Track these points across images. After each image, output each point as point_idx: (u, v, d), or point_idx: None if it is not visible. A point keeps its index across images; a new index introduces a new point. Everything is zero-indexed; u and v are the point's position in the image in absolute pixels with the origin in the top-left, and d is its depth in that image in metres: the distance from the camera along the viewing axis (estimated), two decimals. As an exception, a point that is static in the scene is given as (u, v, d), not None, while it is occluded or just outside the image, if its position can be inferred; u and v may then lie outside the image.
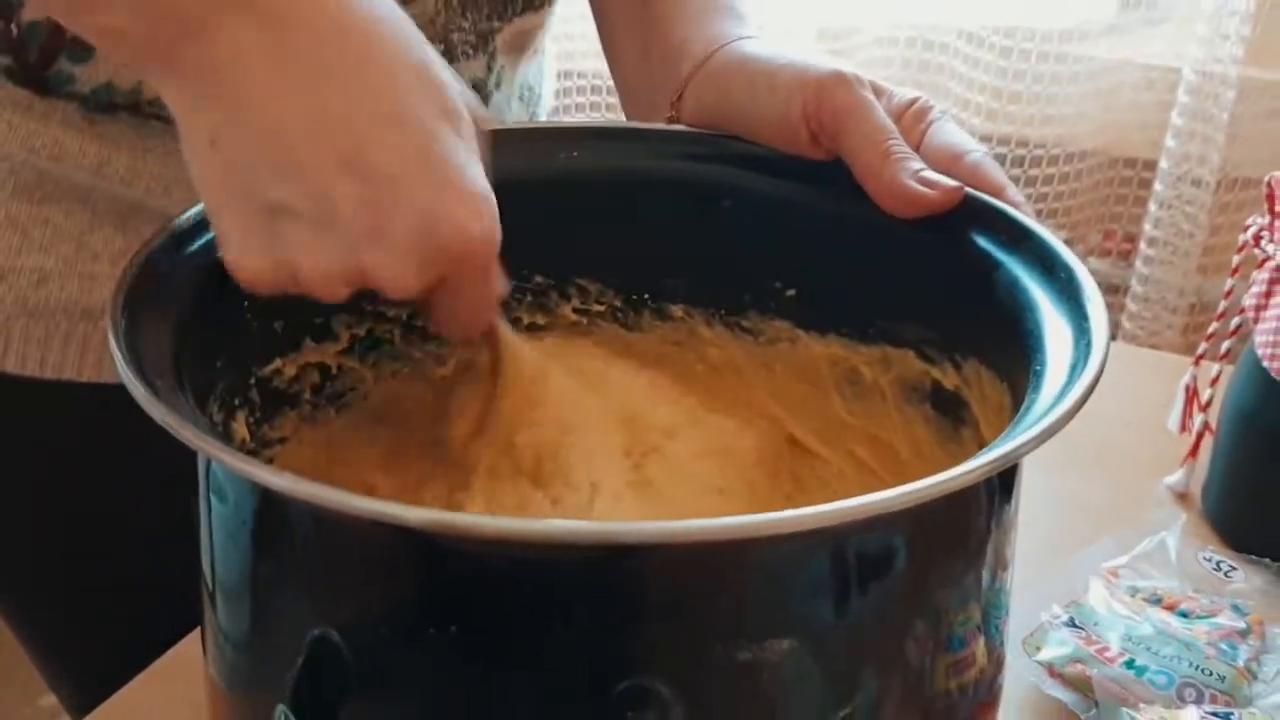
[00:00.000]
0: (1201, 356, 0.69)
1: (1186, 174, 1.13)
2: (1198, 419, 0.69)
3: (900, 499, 0.34)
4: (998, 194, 0.50)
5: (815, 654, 0.36)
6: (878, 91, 0.54)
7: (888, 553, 0.38)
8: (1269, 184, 0.64)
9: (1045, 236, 0.47)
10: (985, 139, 1.23)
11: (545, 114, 0.73)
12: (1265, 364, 0.63)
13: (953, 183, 0.49)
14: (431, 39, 0.42)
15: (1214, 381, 0.68)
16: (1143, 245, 1.17)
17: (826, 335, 0.56)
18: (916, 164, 0.50)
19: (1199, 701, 0.54)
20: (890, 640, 0.39)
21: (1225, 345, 0.67)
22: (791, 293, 0.56)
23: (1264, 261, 0.64)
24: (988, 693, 0.45)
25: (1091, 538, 0.64)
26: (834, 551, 0.36)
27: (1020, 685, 0.56)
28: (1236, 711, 0.53)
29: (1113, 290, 1.26)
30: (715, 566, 0.34)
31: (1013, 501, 0.44)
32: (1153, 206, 1.16)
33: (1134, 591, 0.61)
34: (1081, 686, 0.55)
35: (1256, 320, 0.64)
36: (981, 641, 0.43)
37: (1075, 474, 0.74)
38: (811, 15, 1.22)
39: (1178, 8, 1.19)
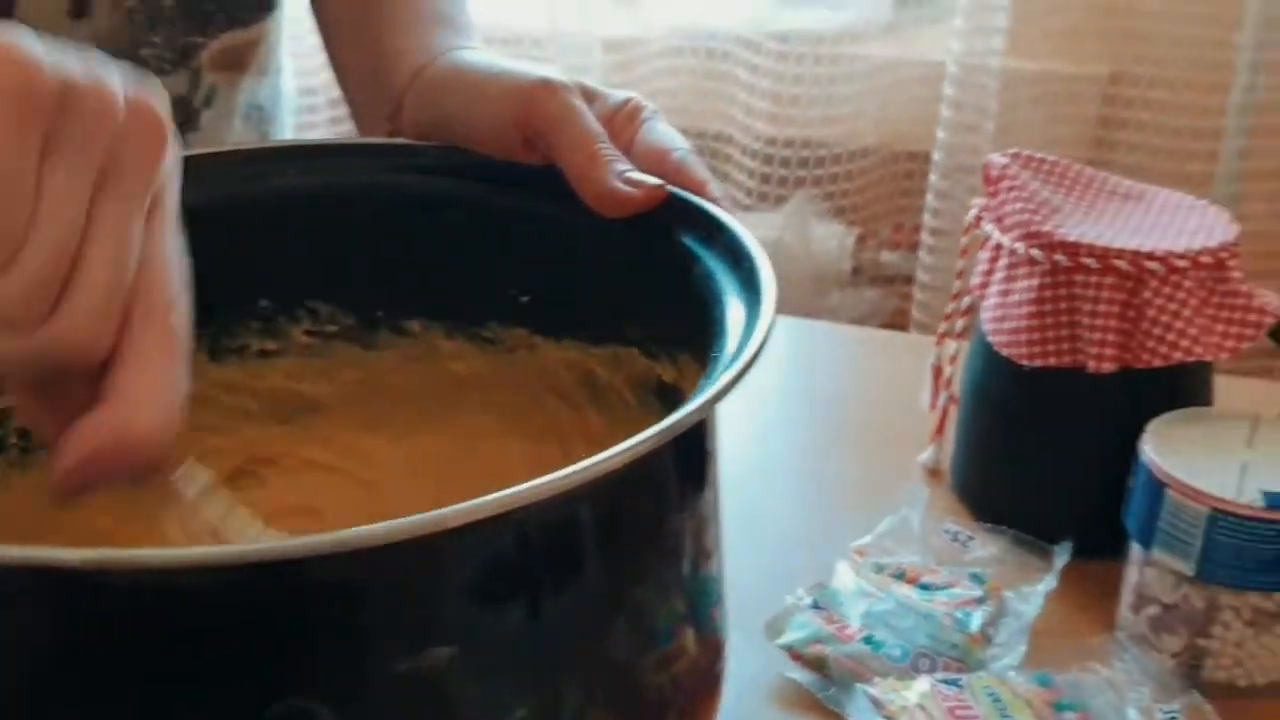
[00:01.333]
0: (944, 335, 0.71)
1: (960, 164, 1.17)
2: (942, 396, 0.72)
3: (537, 490, 0.34)
4: (699, 190, 0.51)
5: (487, 660, 0.36)
6: (590, 96, 0.55)
7: (564, 547, 0.38)
8: (986, 167, 0.67)
9: (735, 229, 0.49)
10: (771, 142, 1.26)
11: (287, 134, 0.72)
12: (990, 339, 0.65)
13: (656, 182, 0.51)
14: (115, 54, 0.41)
15: (953, 359, 0.71)
16: (925, 235, 1.21)
17: (563, 340, 0.56)
18: (623, 165, 0.51)
19: (932, 670, 0.56)
20: (584, 640, 0.39)
21: (960, 324, 0.70)
22: (526, 299, 0.57)
23: (985, 241, 0.66)
24: (704, 682, 0.46)
25: (852, 519, 0.66)
26: (491, 550, 0.36)
27: (764, 671, 0.57)
28: (965, 676, 0.55)
29: (905, 281, 1.30)
30: (362, 577, 0.34)
31: (707, 488, 0.45)
32: (930, 198, 1.20)
33: (879, 569, 0.63)
34: (820, 666, 0.56)
35: (982, 298, 0.66)
36: (690, 632, 0.44)
37: (841, 457, 0.76)
38: (597, 27, 1.23)
39: (948, 5, 1.24)
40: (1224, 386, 0.70)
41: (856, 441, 0.78)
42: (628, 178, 0.51)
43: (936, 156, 1.17)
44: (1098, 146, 1.19)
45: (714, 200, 0.51)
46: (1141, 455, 0.57)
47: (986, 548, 0.64)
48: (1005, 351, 0.64)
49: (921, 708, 0.53)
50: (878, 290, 1.32)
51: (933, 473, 0.73)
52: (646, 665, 0.42)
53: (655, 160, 0.52)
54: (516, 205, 0.55)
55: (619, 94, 0.55)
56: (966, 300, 0.69)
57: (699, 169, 0.52)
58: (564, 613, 0.39)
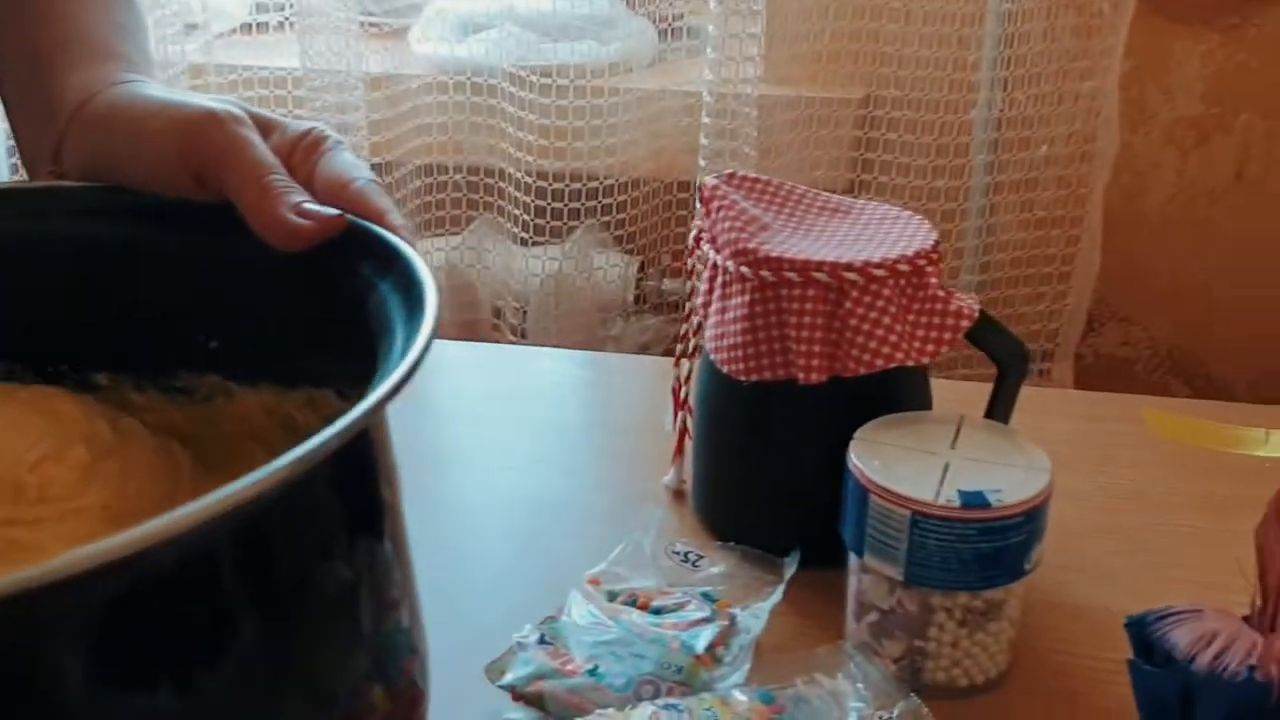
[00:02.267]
0: (680, 356, 0.71)
1: (725, 190, 1.18)
2: (680, 417, 0.71)
3: (144, 538, 0.32)
4: (379, 219, 0.50)
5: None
6: (268, 126, 0.53)
7: (206, 607, 0.36)
8: (702, 188, 0.67)
9: (409, 257, 0.48)
10: (545, 176, 1.25)
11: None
12: (712, 356, 0.65)
13: (332, 212, 0.49)
14: None
15: (687, 379, 0.71)
16: (694, 262, 1.22)
17: (258, 385, 0.54)
18: (298, 197, 0.50)
19: (656, 696, 0.55)
20: (251, 714, 0.38)
21: (693, 343, 0.70)
22: (215, 345, 0.54)
23: (705, 262, 0.67)
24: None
25: (601, 548, 0.65)
26: (106, 617, 0.33)
27: (483, 714, 0.56)
28: (687, 700, 0.54)
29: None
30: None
31: (384, 536, 0.43)
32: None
33: (612, 596, 0.62)
34: (540, 703, 0.55)
35: (705, 317, 0.66)
36: (378, 689, 0.43)
37: (590, 486, 0.75)
38: (355, 64, 1.21)
39: (708, 35, 1.25)
40: (947, 390, 0.72)
41: (609, 469, 0.78)
42: (301, 209, 0.49)
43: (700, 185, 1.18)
44: (855, 167, 1.22)
45: (394, 229, 0.50)
46: (848, 463, 0.58)
47: (717, 566, 0.64)
48: (725, 368, 0.64)
49: (637, 734, 0.52)
50: (661, 317, 1.33)
51: (677, 494, 0.73)
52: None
53: (335, 190, 0.51)
54: (196, 246, 0.53)
55: (301, 124, 0.54)
56: (696, 320, 0.69)
57: (379, 197, 0.51)
58: (220, 687, 0.37)
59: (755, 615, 0.61)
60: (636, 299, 1.35)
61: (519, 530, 0.71)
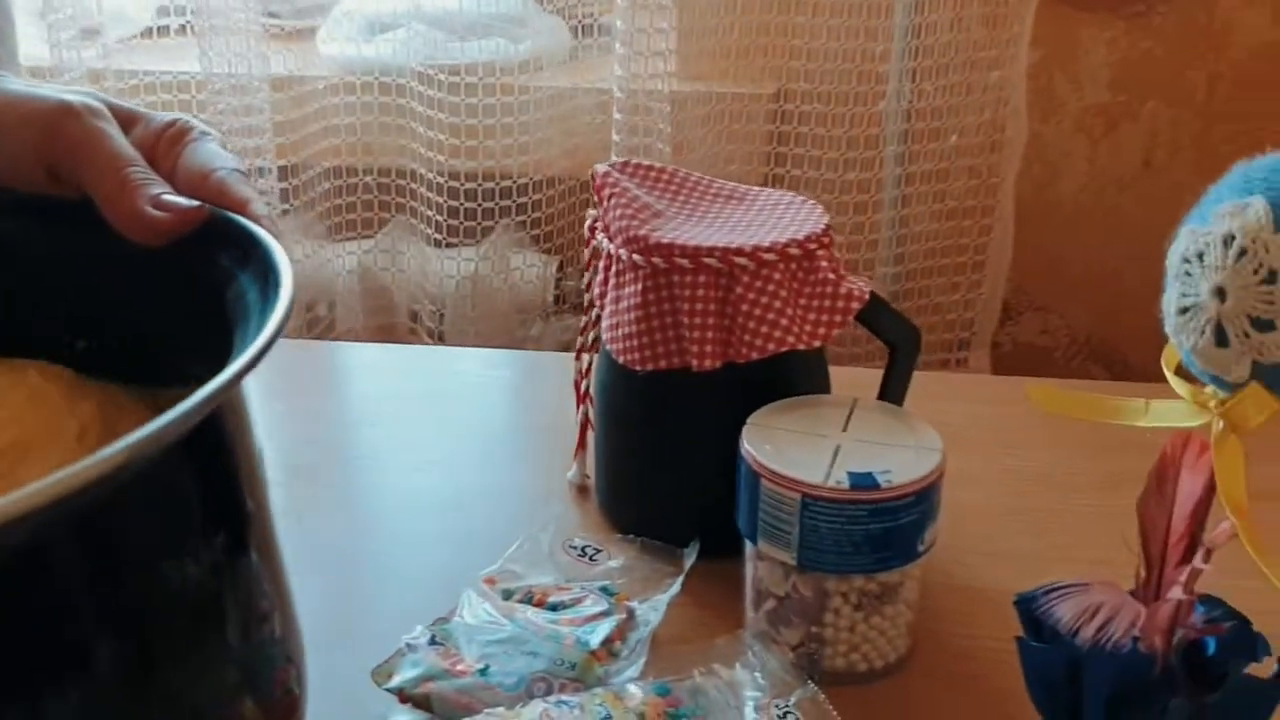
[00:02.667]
0: (580, 349, 0.70)
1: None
2: (582, 410, 0.70)
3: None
4: (240, 209, 0.48)
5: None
6: (131, 119, 0.51)
7: (48, 633, 0.34)
8: (593, 176, 0.66)
9: (269, 245, 0.46)
10: (457, 176, 1.24)
11: None
12: (608, 347, 0.64)
13: (191, 203, 0.48)
14: None
15: (587, 372, 0.70)
16: (612, 259, 1.21)
17: (129, 385, 0.52)
18: (157, 189, 0.48)
19: (549, 693, 0.54)
20: None
21: (592, 335, 0.69)
22: (83, 344, 0.52)
23: (600, 252, 0.66)
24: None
25: (505, 546, 0.64)
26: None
27: (370, 718, 0.54)
28: (580, 696, 0.53)
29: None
30: None
31: (249, 547, 0.42)
32: (614, 221, 1.20)
33: (508, 595, 0.61)
34: (427, 705, 0.54)
35: (601, 308, 0.65)
36: (249, 702, 0.41)
37: (496, 486, 0.74)
38: (257, 66, 1.19)
39: (620, 31, 1.24)
40: (857, 376, 0.71)
41: (519, 468, 0.77)
42: (160, 201, 0.47)
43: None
44: (769, 162, 1.22)
45: (255, 218, 0.48)
46: (740, 448, 0.57)
47: (616, 559, 0.63)
48: (620, 359, 0.63)
49: (527, 732, 0.51)
50: (581, 317, 1.31)
51: (581, 490, 0.72)
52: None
53: (197, 181, 0.49)
54: (58, 243, 0.52)
55: (165, 116, 0.52)
56: (595, 313, 0.68)
57: (241, 187, 0.49)
58: (69, 709, 0.35)
59: (654, 608, 0.60)
60: (556, 299, 1.33)
61: (422, 532, 0.70)
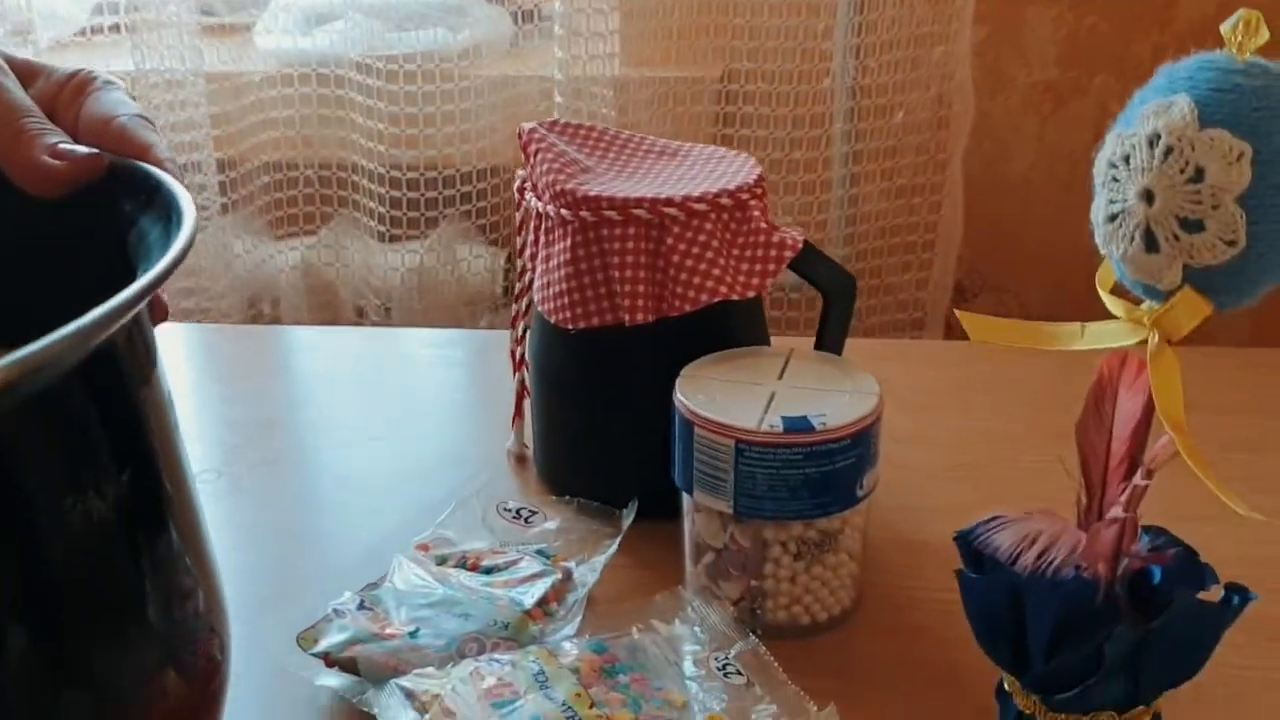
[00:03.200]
0: (516, 316, 0.69)
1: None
2: (519, 377, 0.69)
3: None
4: (143, 154, 0.47)
5: None
6: (32, 72, 0.50)
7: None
8: (520, 134, 0.65)
9: (170, 186, 0.44)
10: (399, 167, 1.22)
11: None
12: (540, 308, 0.63)
13: (88, 151, 0.46)
14: None
15: (523, 338, 0.68)
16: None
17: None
18: (53, 138, 0.46)
19: (480, 653, 0.52)
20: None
21: (526, 301, 0.67)
22: None
23: (530, 213, 0.64)
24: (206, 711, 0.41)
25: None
26: None
27: (296, 683, 0.52)
28: (513, 654, 0.51)
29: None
30: None
31: (168, 526, 0.40)
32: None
33: (442, 560, 0.59)
34: (353, 668, 0.52)
35: (534, 270, 0.64)
36: (172, 674, 0.40)
37: (436, 462, 0.72)
38: (190, 59, 1.17)
39: (560, 14, 1.23)
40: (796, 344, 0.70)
41: (455, 440, 0.75)
42: (57, 150, 0.46)
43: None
44: (717, 143, 1.21)
45: (159, 163, 0.47)
46: (674, 399, 0.55)
47: (552, 521, 0.61)
48: (552, 319, 0.61)
49: (455, 691, 0.49)
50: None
51: (519, 459, 0.70)
52: None
53: (98, 129, 0.48)
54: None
55: (67, 68, 0.50)
56: (528, 278, 0.66)
57: (142, 132, 0.48)
58: None
59: (591, 569, 0.58)
60: (505, 290, 1.32)
61: (358, 504, 0.68)
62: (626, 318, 0.59)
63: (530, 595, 0.55)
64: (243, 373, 0.84)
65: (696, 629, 0.54)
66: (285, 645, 0.53)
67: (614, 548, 0.59)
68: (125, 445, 0.40)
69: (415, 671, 0.50)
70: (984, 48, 1.26)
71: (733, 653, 0.53)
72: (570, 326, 0.60)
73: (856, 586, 0.57)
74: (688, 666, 0.52)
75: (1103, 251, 0.42)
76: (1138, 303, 0.42)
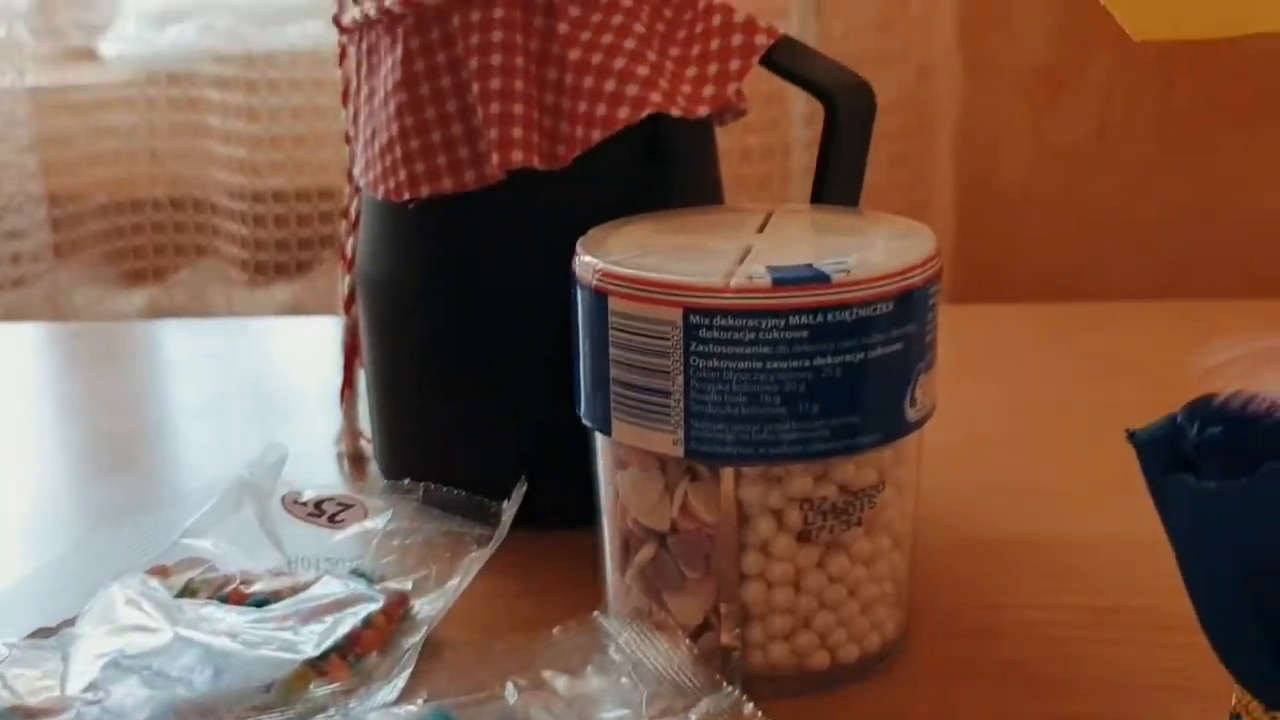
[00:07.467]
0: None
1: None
2: (347, 324, 0.45)
3: None
4: None
5: None
6: None
7: None
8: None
9: None
10: (260, 199, 1.00)
11: None
12: (361, 182, 0.39)
13: None
14: None
15: (352, 262, 0.45)
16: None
17: None
18: None
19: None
20: None
21: (355, 203, 0.44)
22: None
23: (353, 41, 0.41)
24: None
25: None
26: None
27: None
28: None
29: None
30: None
31: None
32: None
33: (188, 589, 0.34)
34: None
35: (353, 154, 0.41)
36: None
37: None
38: (19, 80, 0.96)
39: None
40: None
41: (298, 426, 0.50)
42: None
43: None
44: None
45: None
46: (573, 269, 0.31)
47: (377, 518, 0.36)
48: (378, 191, 0.38)
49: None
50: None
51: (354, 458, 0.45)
52: None
53: None
54: None
55: None
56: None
57: None
58: None
59: (442, 594, 0.33)
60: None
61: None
62: (497, 162, 0.35)
63: (316, 637, 0.30)
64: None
65: (624, 680, 0.29)
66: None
67: (486, 555, 0.34)
68: None
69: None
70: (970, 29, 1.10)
71: (694, 716, 0.28)
72: (406, 196, 0.37)
73: (905, 600, 0.32)
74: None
75: None
76: None
